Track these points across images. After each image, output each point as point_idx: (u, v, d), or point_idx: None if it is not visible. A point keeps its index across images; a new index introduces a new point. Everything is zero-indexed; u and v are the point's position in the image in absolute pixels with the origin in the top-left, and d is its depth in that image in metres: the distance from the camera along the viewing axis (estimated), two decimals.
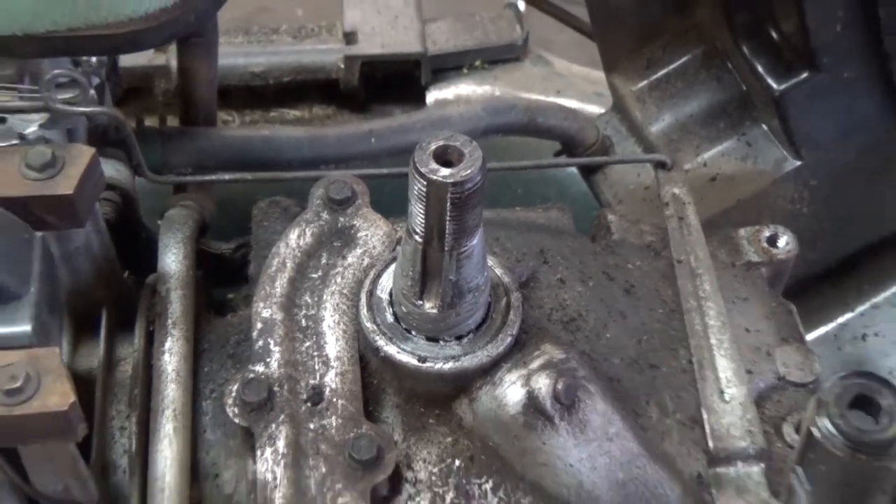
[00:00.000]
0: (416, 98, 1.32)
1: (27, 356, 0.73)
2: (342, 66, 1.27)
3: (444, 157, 0.71)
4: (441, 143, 0.72)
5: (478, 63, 1.35)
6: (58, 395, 0.71)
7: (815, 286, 1.13)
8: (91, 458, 0.87)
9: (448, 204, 0.72)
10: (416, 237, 0.77)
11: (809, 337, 1.11)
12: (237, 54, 1.29)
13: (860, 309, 1.13)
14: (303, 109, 1.31)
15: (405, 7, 1.30)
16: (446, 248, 0.75)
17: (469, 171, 0.70)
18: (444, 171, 0.70)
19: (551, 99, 1.34)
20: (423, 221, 0.75)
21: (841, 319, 1.14)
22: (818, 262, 1.10)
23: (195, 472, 0.86)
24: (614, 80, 1.11)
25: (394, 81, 1.32)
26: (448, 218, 0.73)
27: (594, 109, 1.21)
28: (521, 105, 1.12)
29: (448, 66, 1.34)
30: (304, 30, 1.33)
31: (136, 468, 0.85)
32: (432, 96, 1.33)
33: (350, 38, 1.28)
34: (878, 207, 1.09)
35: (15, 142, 0.90)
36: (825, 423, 0.59)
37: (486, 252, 0.82)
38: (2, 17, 0.87)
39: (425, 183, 0.71)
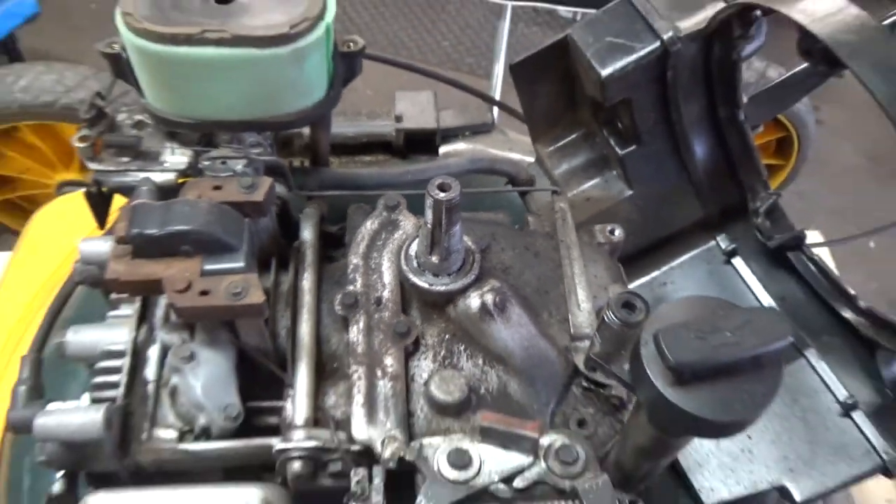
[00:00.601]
0: (433, 151, 1.36)
1: (241, 277, 0.78)
2: (394, 134, 1.32)
3: (442, 188, 0.77)
4: (440, 180, 0.77)
5: (467, 133, 1.39)
6: (256, 296, 0.76)
7: (639, 255, 1.17)
8: (268, 328, 0.88)
9: (443, 210, 0.78)
10: (428, 225, 0.81)
11: (634, 283, 1.17)
12: (339, 126, 1.31)
13: (664, 269, 1.18)
14: (372, 156, 1.34)
15: (427, 103, 1.33)
16: (442, 231, 0.80)
17: (453, 195, 0.76)
18: (441, 194, 0.76)
19: (505, 153, 1.37)
20: (432, 217, 0.80)
21: (653, 274, 1.18)
22: (641, 244, 1.14)
23: (318, 338, 0.89)
24: (536, 146, 1.15)
25: (421, 143, 1.35)
26: (443, 216, 0.78)
27: (529, 159, 1.23)
28: (487, 158, 1.18)
29: (451, 135, 1.37)
30: (374, 113, 1.36)
31: (289, 335, 0.88)
32: (441, 150, 1.36)
33: (398, 119, 1.31)
34: (672, 216, 1.15)
35: (231, 174, 0.92)
36: (609, 314, 0.67)
37: (463, 233, 0.85)
38: (231, 111, 0.90)
39: (432, 200, 0.77)
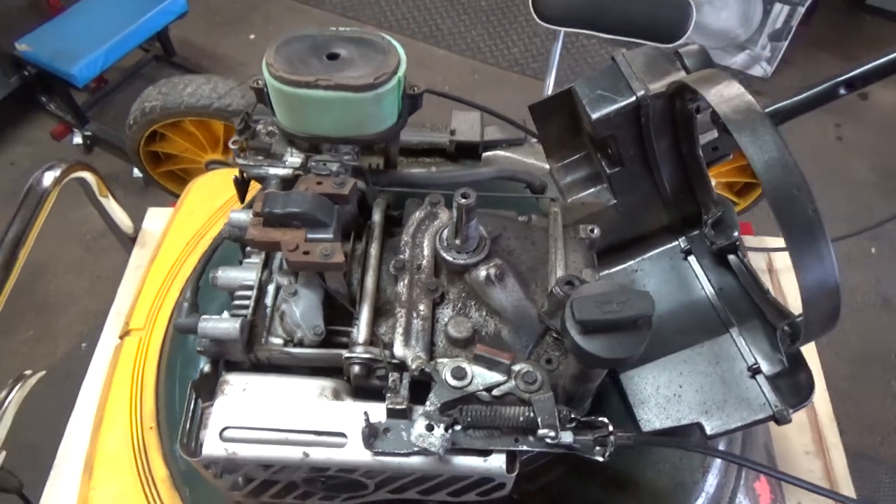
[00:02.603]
0: (477, 157, 1.49)
1: (330, 244, 0.92)
2: (448, 143, 1.45)
3: (464, 195, 0.91)
4: (463, 190, 0.90)
5: (504, 145, 1.52)
6: (339, 258, 0.91)
7: (619, 249, 1.28)
8: (345, 279, 1.01)
9: (463, 210, 0.91)
10: (454, 219, 0.95)
11: (613, 269, 1.30)
12: (409, 134, 1.45)
13: (637, 259, 1.29)
14: (431, 158, 1.48)
15: (475, 121, 1.46)
16: (463, 223, 0.93)
17: (470, 201, 0.90)
18: (463, 200, 0.89)
19: (533, 160, 1.53)
20: (456, 214, 0.94)
21: (629, 263, 1.29)
22: (620, 240, 1.26)
23: (378, 288, 1.03)
24: (549, 161, 1.25)
25: (468, 150, 1.48)
26: (463, 214, 0.92)
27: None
28: (510, 169, 1.28)
29: (492, 145, 1.51)
30: (435, 127, 1.49)
31: (358, 284, 1.02)
32: (484, 157, 1.50)
33: (452, 132, 1.45)
34: (644, 221, 1.24)
35: (328, 173, 1.08)
36: (556, 287, 0.84)
37: (478, 224, 0.99)
38: (331, 130, 1.06)
39: (457, 204, 0.91)
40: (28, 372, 1.37)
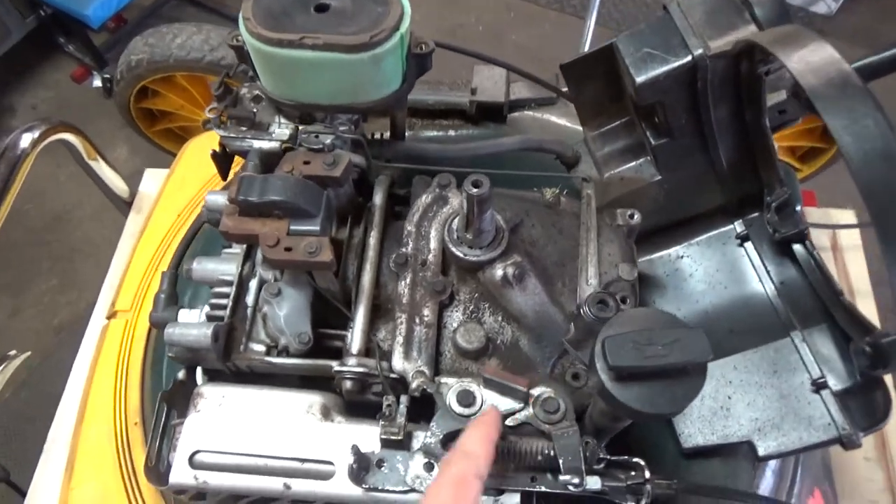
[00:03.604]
0: (501, 120, 1.34)
1: (317, 239, 0.82)
2: (469, 104, 1.30)
3: (475, 184, 0.79)
4: (474, 178, 0.79)
5: (533, 105, 1.36)
6: (326, 255, 0.82)
7: (663, 231, 1.14)
8: (338, 276, 0.92)
9: (474, 202, 0.80)
10: (465, 209, 0.84)
11: (655, 255, 1.15)
12: (424, 93, 1.31)
13: (683, 244, 1.15)
14: (449, 121, 1.33)
15: (499, 79, 1.30)
16: (474, 216, 0.83)
17: (483, 191, 0.79)
18: (474, 190, 0.79)
19: (563, 122, 1.37)
20: (466, 205, 0.83)
21: (674, 248, 1.15)
22: (664, 221, 1.12)
23: (377, 283, 0.93)
24: (584, 129, 1.13)
25: (491, 112, 1.32)
26: (475, 206, 0.81)
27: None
28: (536, 138, 1.14)
29: (519, 106, 1.35)
30: (454, 85, 1.34)
31: (356, 280, 0.93)
32: (510, 119, 1.34)
33: (474, 91, 1.29)
34: (694, 201, 1.10)
35: (321, 146, 0.94)
36: (586, 308, 0.71)
37: (494, 215, 0.88)
38: (322, 97, 0.92)
39: (467, 195, 0.80)
40: (13, 352, 1.26)
